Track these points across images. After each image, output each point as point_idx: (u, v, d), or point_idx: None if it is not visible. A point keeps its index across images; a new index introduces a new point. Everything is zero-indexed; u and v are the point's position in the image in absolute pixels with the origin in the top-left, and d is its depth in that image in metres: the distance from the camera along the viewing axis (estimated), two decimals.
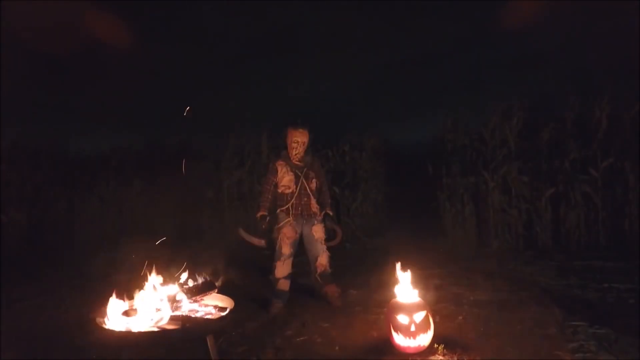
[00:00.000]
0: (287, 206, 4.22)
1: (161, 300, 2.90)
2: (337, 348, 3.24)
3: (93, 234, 7.83)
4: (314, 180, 4.29)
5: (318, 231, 4.27)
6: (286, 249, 4.19)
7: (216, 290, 3.19)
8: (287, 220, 4.20)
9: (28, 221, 7.94)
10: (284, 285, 4.23)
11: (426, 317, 3.07)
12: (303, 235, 4.29)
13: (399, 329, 3.02)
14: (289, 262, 4.24)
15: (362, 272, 5.39)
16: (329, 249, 4.31)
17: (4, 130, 8.56)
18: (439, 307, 3.99)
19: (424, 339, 3.03)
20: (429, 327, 3.06)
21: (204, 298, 3.11)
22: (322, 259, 4.28)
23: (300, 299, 4.40)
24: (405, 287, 3.21)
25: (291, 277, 4.28)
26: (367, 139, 8.43)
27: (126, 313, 2.72)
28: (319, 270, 4.29)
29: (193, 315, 2.91)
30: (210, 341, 2.84)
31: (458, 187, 7.28)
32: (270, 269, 4.29)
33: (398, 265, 3.27)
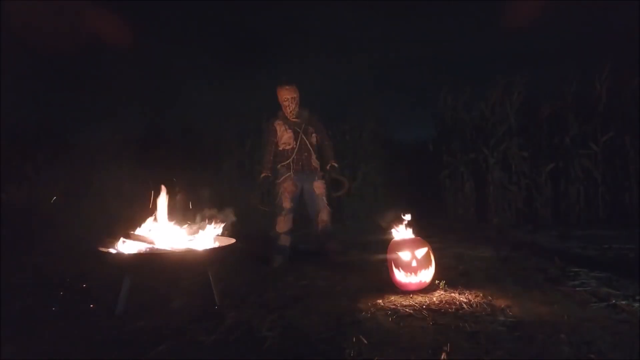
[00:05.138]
0: (287, 162, 4.23)
1: (164, 231, 2.92)
2: (338, 288, 3.24)
3: (92, 213, 7.82)
4: (313, 135, 4.30)
5: (319, 187, 4.29)
6: (287, 204, 4.20)
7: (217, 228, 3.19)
8: (287, 174, 4.21)
9: (27, 200, 7.96)
10: (285, 240, 4.24)
11: (427, 253, 3.07)
12: (304, 192, 4.30)
13: (400, 265, 3.02)
14: (289, 217, 4.24)
15: (363, 239, 5.39)
16: (330, 203, 4.32)
17: (5, 113, 8.58)
18: (441, 262, 3.96)
19: (426, 275, 3.03)
20: (430, 264, 3.06)
21: (206, 235, 3.11)
22: (323, 215, 4.29)
23: (301, 256, 4.41)
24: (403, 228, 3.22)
25: (292, 233, 4.28)
26: (368, 120, 8.45)
27: (128, 237, 2.73)
28: (320, 227, 4.29)
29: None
30: (211, 272, 2.84)
31: (458, 164, 7.30)
32: (271, 227, 4.31)
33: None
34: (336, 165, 4.33)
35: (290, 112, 4.25)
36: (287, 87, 4.24)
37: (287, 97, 4.21)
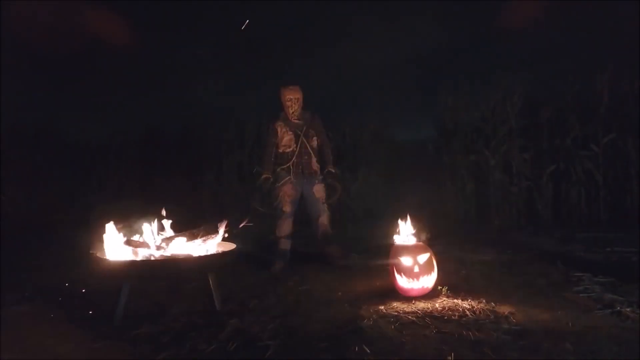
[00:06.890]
0: (287, 164, 4.20)
1: (165, 236, 2.88)
2: (339, 294, 3.21)
3: (91, 213, 7.79)
4: (314, 138, 4.27)
5: (319, 191, 4.25)
6: (287, 207, 4.17)
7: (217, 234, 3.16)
8: (287, 178, 4.17)
9: (27, 200, 7.94)
10: (285, 244, 4.20)
11: (430, 259, 3.05)
12: (304, 195, 4.27)
13: (402, 270, 2.99)
14: (289, 221, 4.21)
15: (364, 243, 5.35)
16: (329, 208, 4.29)
17: (5, 113, 8.55)
18: (442, 266, 3.93)
19: (428, 281, 3.00)
20: (432, 269, 3.03)
21: (207, 241, 3.08)
22: (324, 219, 4.25)
23: (301, 260, 4.37)
24: (407, 231, 3.20)
25: (292, 237, 4.25)
26: (368, 120, 8.42)
27: (128, 243, 2.69)
28: (320, 231, 4.26)
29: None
30: (212, 278, 2.81)
31: (459, 165, 7.27)
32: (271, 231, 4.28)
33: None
34: (333, 170, 4.30)
35: (292, 112, 4.23)
36: (290, 87, 4.24)
37: (291, 97, 4.20)
